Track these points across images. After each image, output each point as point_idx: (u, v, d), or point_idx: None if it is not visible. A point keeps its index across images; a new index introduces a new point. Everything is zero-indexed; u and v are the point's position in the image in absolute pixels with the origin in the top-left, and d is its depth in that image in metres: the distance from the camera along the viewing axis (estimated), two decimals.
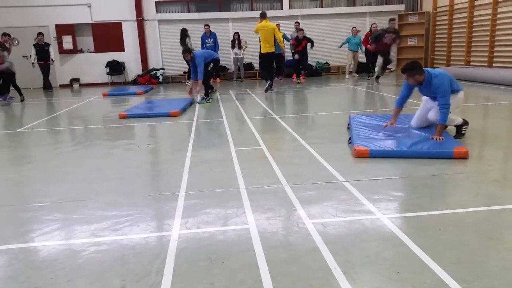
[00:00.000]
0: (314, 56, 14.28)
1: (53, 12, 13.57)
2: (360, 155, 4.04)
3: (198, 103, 8.50)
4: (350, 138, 4.65)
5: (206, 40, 13.57)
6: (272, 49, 9.60)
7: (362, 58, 12.89)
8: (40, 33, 12.32)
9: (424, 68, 4.43)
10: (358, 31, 12.58)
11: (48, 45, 12.36)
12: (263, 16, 9.65)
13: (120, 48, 14.24)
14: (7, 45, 9.96)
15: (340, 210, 2.83)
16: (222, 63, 13.85)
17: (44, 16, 13.55)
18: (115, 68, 14.20)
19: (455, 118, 4.61)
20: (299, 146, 4.66)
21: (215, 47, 13.53)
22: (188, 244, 2.42)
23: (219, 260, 2.22)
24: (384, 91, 9.68)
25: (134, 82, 14.05)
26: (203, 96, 8.81)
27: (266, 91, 9.77)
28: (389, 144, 4.22)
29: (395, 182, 3.38)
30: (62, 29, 13.75)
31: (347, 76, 13.26)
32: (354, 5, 14.57)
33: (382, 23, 11.83)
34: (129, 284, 2.02)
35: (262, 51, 9.78)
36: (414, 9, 14.63)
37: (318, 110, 7.50)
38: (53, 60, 12.48)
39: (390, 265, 2.11)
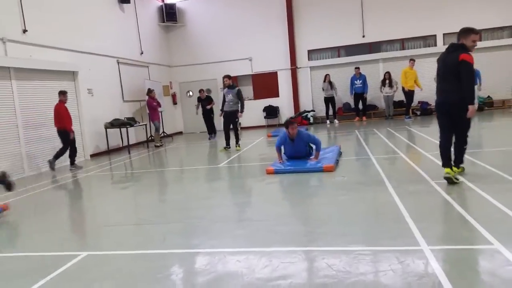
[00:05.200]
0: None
1: (221, 67, 15.86)
2: None
3: None
4: None
5: (355, 81, 14.18)
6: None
7: None
8: (201, 90, 13.70)
9: None
10: None
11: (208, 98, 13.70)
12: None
13: (275, 94, 15.75)
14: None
15: None
16: (371, 101, 14.40)
17: (213, 70, 15.94)
18: (271, 112, 15.70)
19: None
20: (506, 179, 4.63)
21: (364, 88, 14.06)
22: (445, 258, 2.75)
23: (486, 274, 2.48)
24: None
25: None
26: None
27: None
28: None
29: None
30: None
31: None
32: None
33: None
34: (414, 282, 2.44)
35: None
36: None
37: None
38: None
39: None
